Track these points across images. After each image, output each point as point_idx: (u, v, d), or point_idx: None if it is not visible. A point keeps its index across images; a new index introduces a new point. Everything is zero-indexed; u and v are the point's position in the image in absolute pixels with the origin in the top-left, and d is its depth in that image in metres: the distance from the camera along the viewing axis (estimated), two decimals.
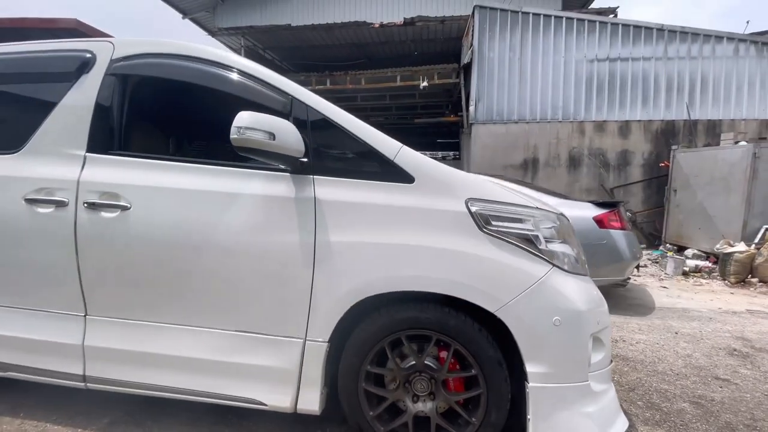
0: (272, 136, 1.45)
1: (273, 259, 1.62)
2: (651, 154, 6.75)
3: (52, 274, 1.81)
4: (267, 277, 1.63)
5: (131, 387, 1.80)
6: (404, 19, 9.46)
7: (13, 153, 1.85)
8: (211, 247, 1.66)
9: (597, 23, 6.72)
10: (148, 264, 1.72)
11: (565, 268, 1.56)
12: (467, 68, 7.24)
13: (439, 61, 9.69)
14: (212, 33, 13.26)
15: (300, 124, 1.63)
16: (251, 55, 11.15)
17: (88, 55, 1.84)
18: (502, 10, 6.89)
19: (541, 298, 1.48)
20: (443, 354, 1.62)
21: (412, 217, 1.56)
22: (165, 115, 2.02)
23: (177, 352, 1.73)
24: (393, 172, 1.60)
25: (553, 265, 1.53)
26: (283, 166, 1.63)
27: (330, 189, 1.61)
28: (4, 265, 1.84)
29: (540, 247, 1.53)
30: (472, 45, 6.87)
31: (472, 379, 1.58)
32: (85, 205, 1.73)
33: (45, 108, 1.86)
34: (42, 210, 1.77)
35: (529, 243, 1.53)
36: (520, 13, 6.83)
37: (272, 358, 1.66)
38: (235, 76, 1.74)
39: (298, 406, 1.65)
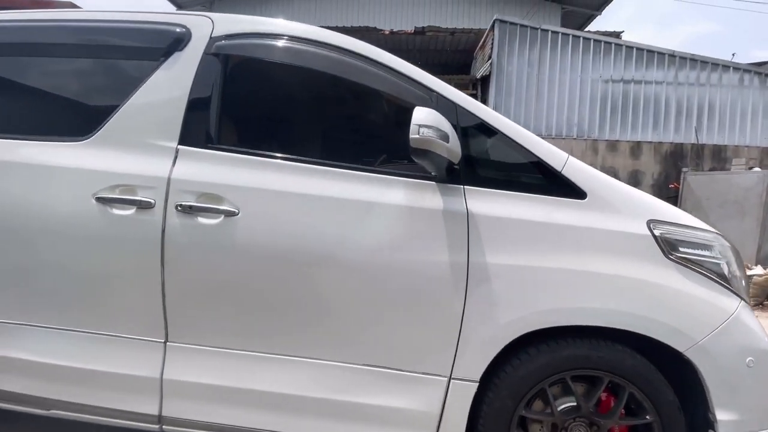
0: (447, 137, 1.22)
1: (415, 281, 1.37)
2: (660, 174, 6.91)
3: (128, 290, 1.47)
4: (406, 302, 1.38)
5: (217, 430, 1.48)
6: (415, 28, 9.39)
7: (81, 140, 1.51)
8: (337, 264, 1.39)
9: (612, 45, 6.88)
10: (254, 281, 1.42)
11: (748, 300, 1.40)
12: (484, 81, 7.21)
13: (445, 72, 9.66)
14: None
15: None
16: None
17: (182, 30, 1.55)
18: (521, 25, 6.92)
19: (734, 336, 1.31)
20: (602, 396, 1.41)
21: (584, 239, 1.36)
22: (274, 105, 1.74)
23: (283, 389, 1.43)
24: (560, 186, 1.39)
25: (741, 298, 1.37)
26: (429, 174, 1.39)
27: (485, 202, 1.38)
28: (63, 278, 1.49)
29: (729, 278, 1.37)
30: (490, 58, 6.85)
31: (645, 427, 1.38)
32: (179, 208, 1.41)
33: (124, 88, 1.54)
34: (119, 212, 1.44)
35: (718, 273, 1.36)
36: (539, 30, 6.89)
37: (406, 398, 1.40)
38: (365, 65, 1.49)
39: None
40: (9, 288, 1.52)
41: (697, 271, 1.34)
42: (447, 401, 1.38)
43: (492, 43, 6.78)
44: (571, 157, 1.44)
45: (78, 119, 1.59)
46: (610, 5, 11.96)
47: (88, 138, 1.51)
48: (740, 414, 1.30)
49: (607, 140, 6.79)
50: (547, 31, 6.88)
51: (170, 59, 1.52)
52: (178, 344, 1.47)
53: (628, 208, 1.39)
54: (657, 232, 1.35)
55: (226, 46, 1.53)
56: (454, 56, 10.70)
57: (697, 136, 6.55)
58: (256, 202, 1.42)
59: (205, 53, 1.51)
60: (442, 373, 1.38)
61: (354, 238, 1.39)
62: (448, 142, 1.22)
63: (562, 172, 1.40)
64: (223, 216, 1.41)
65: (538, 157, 1.40)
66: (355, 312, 1.40)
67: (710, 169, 6.66)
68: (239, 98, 1.55)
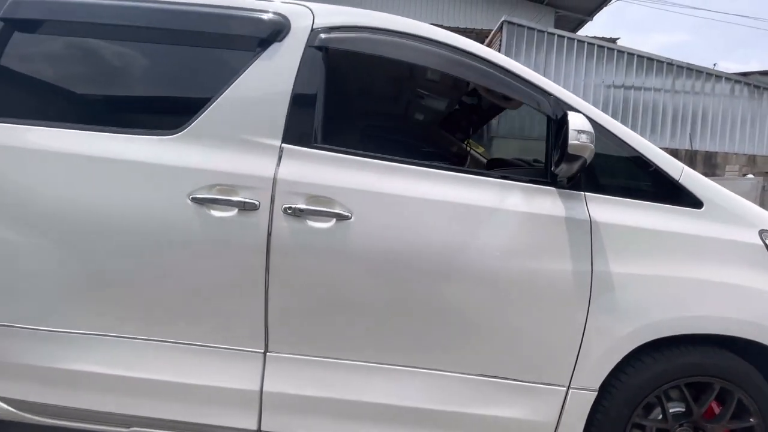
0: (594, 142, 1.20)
1: (537, 290, 1.34)
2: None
3: (227, 297, 1.38)
4: (527, 311, 1.35)
5: None
6: None
7: (171, 135, 1.39)
8: (456, 272, 1.35)
9: (615, 51, 7.06)
10: (368, 289, 1.36)
11: None
12: None
13: None
14: None
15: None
16: None
17: (280, 19, 1.44)
18: (529, 28, 6.99)
19: None
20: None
21: (701, 248, 1.37)
22: (381, 103, 1.65)
23: (394, 400, 1.37)
24: (678, 195, 1.39)
25: None
26: (547, 179, 1.37)
27: (606, 209, 1.37)
28: (153, 285, 1.38)
29: None
30: None
31: (748, 429, 1.41)
32: (288, 210, 1.33)
33: (217, 79, 1.43)
34: (218, 213, 1.34)
35: None
36: (545, 33, 6.98)
37: (522, 409, 1.37)
38: (480, 65, 1.44)
39: None
40: (89, 296, 1.39)
41: None
42: (564, 410, 1.36)
43: (500, 44, 6.83)
44: (686, 167, 1.44)
45: (167, 112, 1.47)
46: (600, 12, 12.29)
47: (179, 132, 1.39)
48: None
49: None
50: (553, 34, 6.99)
51: (269, 50, 1.42)
52: (278, 354, 1.39)
53: (742, 218, 1.41)
54: None
55: (330, 39, 1.44)
56: None
57: (691, 142, 6.84)
58: (370, 205, 1.35)
59: (308, 45, 1.43)
60: (561, 382, 1.36)
61: (474, 244, 1.35)
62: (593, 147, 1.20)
63: (680, 181, 1.40)
64: (334, 220, 1.33)
65: (656, 165, 1.40)
66: (473, 321, 1.36)
67: (703, 175, 6.93)
68: (345, 95, 1.47)
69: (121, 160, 1.37)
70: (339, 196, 1.34)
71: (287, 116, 1.38)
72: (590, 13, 12.69)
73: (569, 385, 1.36)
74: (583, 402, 1.36)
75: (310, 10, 1.48)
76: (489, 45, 7.59)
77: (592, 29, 12.98)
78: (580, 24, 13.11)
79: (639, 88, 6.99)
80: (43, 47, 1.51)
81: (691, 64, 7.12)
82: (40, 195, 1.38)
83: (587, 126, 1.19)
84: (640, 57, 7.04)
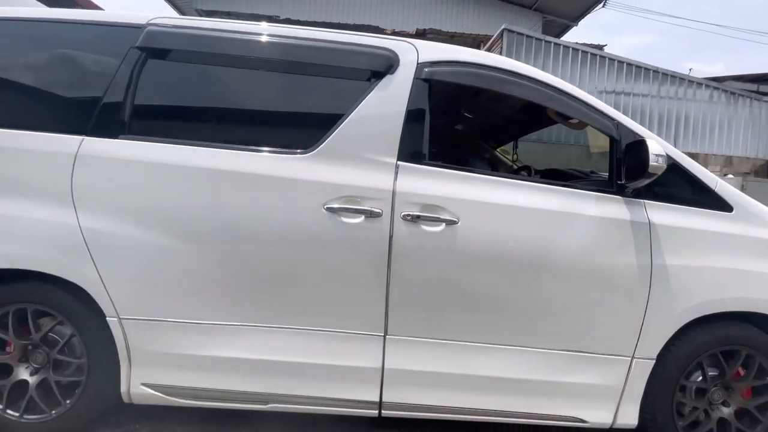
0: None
1: (609, 279, 1.66)
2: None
3: (354, 290, 1.64)
4: (602, 297, 1.67)
5: (433, 411, 1.69)
6: (416, 29, 9.65)
7: (305, 153, 1.64)
8: (543, 266, 1.65)
9: (606, 59, 7.56)
10: (470, 281, 1.65)
11: None
12: None
13: None
14: (200, 14, 12.25)
15: (621, 152, 1.70)
16: None
17: (390, 55, 1.71)
18: (527, 36, 7.40)
19: None
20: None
21: (732, 244, 1.72)
22: (479, 128, 1.93)
23: (492, 372, 1.68)
24: (714, 201, 1.74)
25: None
26: (613, 189, 1.69)
27: (661, 214, 1.70)
28: (293, 281, 1.63)
29: None
30: None
31: (765, 387, 1.77)
32: (407, 217, 1.60)
33: (341, 105, 1.69)
34: (348, 220, 1.60)
35: None
36: (543, 42, 7.40)
37: (597, 376, 1.69)
38: (558, 96, 1.75)
39: (617, 421, 1.71)
40: (235, 292, 1.63)
41: None
42: (629, 376, 1.69)
43: (501, 50, 7.21)
44: (719, 179, 1.79)
45: (298, 133, 1.71)
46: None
47: (311, 151, 1.64)
48: None
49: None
50: (550, 42, 7.42)
51: (383, 81, 1.68)
52: (396, 337, 1.66)
53: (761, 219, 1.77)
54: None
55: (432, 72, 1.71)
56: None
57: (674, 145, 7.40)
58: (474, 212, 1.63)
59: (415, 78, 1.69)
60: (627, 353, 1.68)
61: (558, 244, 1.65)
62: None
63: (716, 190, 1.74)
64: (444, 224, 1.61)
65: (697, 177, 1.74)
66: (557, 306, 1.67)
67: None
68: (447, 120, 1.74)
69: (264, 175, 1.61)
70: (448, 204, 1.62)
71: (401, 138, 1.65)
72: (575, 19, 13.29)
73: (633, 355, 1.68)
74: (644, 369, 1.69)
75: (415, 47, 1.74)
76: (489, 50, 7.96)
77: (573, 32, 13.57)
78: (566, 28, 13.69)
79: (628, 94, 7.51)
80: (181, 73, 1.71)
81: (675, 72, 7.71)
82: (195, 206, 1.60)
83: (662, 151, 1.51)
84: (629, 64, 7.56)
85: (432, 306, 1.66)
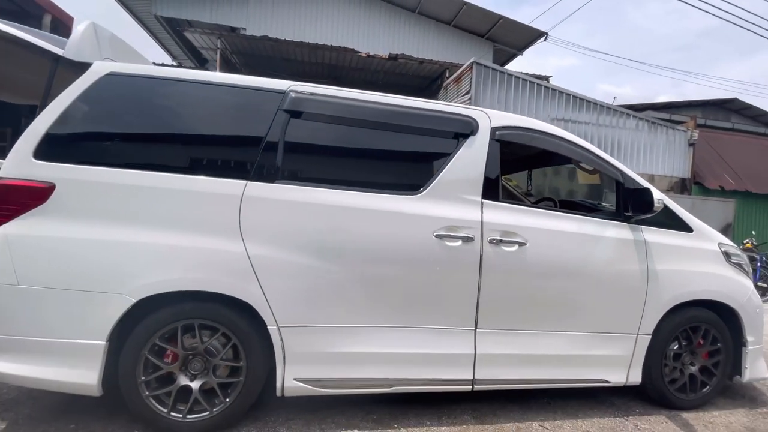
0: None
1: (622, 280, 2.39)
2: (587, 194, 9.11)
3: (454, 295, 2.19)
4: (618, 293, 2.39)
5: (512, 383, 2.30)
6: (389, 54, 10.36)
7: (416, 194, 2.18)
8: (582, 273, 2.34)
9: (557, 91, 8.83)
10: (535, 286, 2.29)
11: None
12: None
13: (402, 94, 10.78)
14: (179, 28, 11.92)
15: (626, 192, 2.46)
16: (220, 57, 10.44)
17: (471, 121, 2.31)
18: (493, 69, 8.43)
19: (752, 299, 2.63)
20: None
21: (693, 254, 2.55)
22: (535, 176, 2.56)
23: (548, 351, 2.33)
24: (682, 225, 2.56)
25: (751, 280, 2.71)
26: (621, 217, 2.44)
27: (652, 234, 2.48)
28: (410, 290, 2.14)
29: (746, 271, 2.69)
30: (468, 92, 8.21)
31: (716, 350, 2.61)
32: (493, 240, 2.21)
33: (438, 158, 2.26)
34: (450, 244, 2.17)
35: (744, 269, 2.67)
36: (506, 74, 8.47)
37: (615, 349, 2.41)
38: (583, 152, 2.48)
39: (628, 381, 2.44)
40: (366, 300, 2.10)
41: (738, 268, 2.64)
42: (635, 348, 2.43)
43: (471, 81, 8.14)
44: (684, 210, 2.62)
45: (410, 179, 2.23)
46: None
47: (421, 193, 2.19)
48: (754, 337, 2.62)
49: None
50: (512, 75, 8.52)
51: (468, 140, 2.28)
52: (484, 329, 2.24)
53: (709, 236, 2.63)
54: (722, 249, 2.62)
55: (501, 134, 2.35)
56: (413, 80, 11.97)
57: None
58: (537, 236, 2.28)
59: (490, 138, 2.32)
60: (633, 331, 2.42)
61: (591, 257, 2.36)
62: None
63: (683, 218, 2.57)
64: (517, 245, 2.24)
65: (672, 210, 2.54)
66: (591, 301, 2.36)
67: None
68: (512, 170, 2.37)
69: (388, 211, 2.12)
70: (519, 231, 2.25)
71: (483, 182, 2.26)
72: (521, 49, 14.92)
73: (638, 333, 2.43)
74: (644, 342, 2.44)
75: (488, 115, 2.36)
76: (460, 79, 8.88)
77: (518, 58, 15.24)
78: (513, 56, 15.28)
79: (574, 121, 8.85)
80: (319, 130, 2.16)
81: (609, 105, 9.25)
82: (335, 235, 2.06)
83: (661, 195, 2.27)
84: (575, 97, 8.92)
85: (508, 305, 2.27)
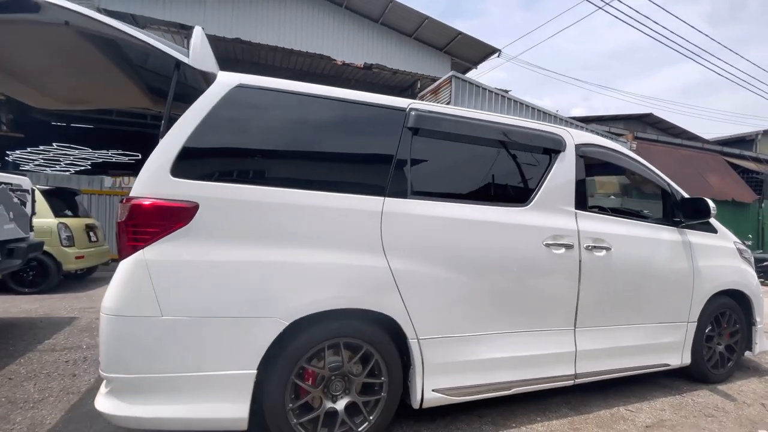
0: None
1: (678, 276, 2.79)
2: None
3: (559, 298, 2.39)
4: (675, 287, 2.78)
5: (602, 375, 2.55)
6: (365, 63, 10.45)
7: (525, 206, 2.35)
8: (651, 272, 2.69)
9: (520, 103, 9.62)
10: (619, 285, 2.58)
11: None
12: None
13: None
14: (139, 23, 10.78)
15: (682, 201, 2.88)
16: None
17: (560, 138, 2.54)
18: (469, 82, 8.95)
19: (756, 283, 3.21)
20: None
21: (721, 251, 3.05)
22: (608, 187, 2.81)
23: (628, 343, 2.63)
24: (711, 228, 3.05)
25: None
26: (672, 221, 2.84)
27: (693, 236, 2.91)
28: (524, 296, 2.29)
29: (752, 263, 3.27)
30: (449, 103, 8.61)
31: (736, 331, 3.13)
32: (588, 247, 2.45)
33: (537, 172, 2.45)
34: (556, 251, 2.37)
35: (749, 261, 3.24)
36: (481, 88, 9.05)
37: (674, 336, 2.79)
38: (640, 166, 2.85)
39: (682, 362, 2.83)
40: (492, 308, 2.22)
41: (747, 261, 3.20)
42: (686, 334, 2.84)
43: (450, 93, 8.57)
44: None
45: (516, 192, 2.38)
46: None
47: (528, 205, 2.36)
48: (759, 317, 3.20)
49: None
50: (485, 89, 9.11)
51: (560, 156, 2.51)
52: (581, 328, 2.47)
53: (728, 237, 3.16)
54: (737, 246, 3.16)
55: (584, 151, 2.61)
56: (383, 91, 12.15)
57: None
58: (619, 242, 2.57)
59: (576, 154, 2.57)
60: (685, 320, 2.83)
61: (656, 257, 2.72)
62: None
63: (712, 223, 3.05)
64: (605, 251, 2.52)
65: (707, 218, 3.01)
66: (657, 296, 2.71)
67: None
68: (591, 183, 2.63)
69: (505, 222, 2.26)
70: (606, 237, 2.53)
71: (575, 194, 2.50)
72: (475, 63, 15.93)
73: (688, 320, 2.84)
74: (692, 328, 2.86)
75: (570, 134, 2.62)
76: (438, 90, 9.28)
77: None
78: (468, 69, 16.24)
79: None
80: (438, 146, 2.23)
81: (564, 117, 10.32)
82: (462, 247, 2.14)
83: (713, 205, 2.70)
84: (534, 108, 9.81)
85: (599, 304, 2.52)
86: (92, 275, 7.04)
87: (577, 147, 2.60)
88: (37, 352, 3.19)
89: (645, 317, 2.70)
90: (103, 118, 11.58)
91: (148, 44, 1.75)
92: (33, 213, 3.96)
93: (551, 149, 2.51)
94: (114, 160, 15.67)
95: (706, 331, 3.00)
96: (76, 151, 13.31)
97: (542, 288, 2.35)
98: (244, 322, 1.73)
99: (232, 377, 1.72)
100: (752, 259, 3.34)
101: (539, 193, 2.41)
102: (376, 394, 2.01)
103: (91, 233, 6.27)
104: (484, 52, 15.12)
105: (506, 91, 11.88)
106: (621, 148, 2.86)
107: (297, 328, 1.82)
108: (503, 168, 2.43)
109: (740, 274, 3.12)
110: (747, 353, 3.22)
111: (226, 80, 1.88)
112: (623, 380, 2.91)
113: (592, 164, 2.75)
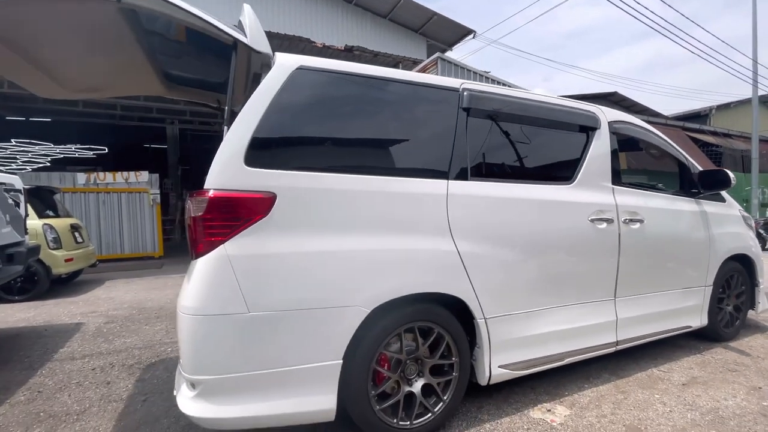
0: None
1: (697, 244, 2.97)
2: None
3: (602, 270, 2.50)
4: (696, 254, 2.97)
5: (638, 340, 2.70)
6: (345, 45, 10.18)
7: (570, 184, 2.41)
8: (678, 240, 2.85)
9: (500, 83, 9.75)
10: (651, 255, 2.72)
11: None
12: None
13: None
14: None
15: (700, 174, 3.04)
16: None
17: (595, 116, 2.61)
18: (455, 64, 8.95)
19: (759, 249, 3.48)
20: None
21: (729, 219, 3.26)
22: (640, 161, 2.89)
23: (659, 308, 2.80)
24: (720, 198, 3.25)
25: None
26: (690, 193, 3.01)
27: (707, 206, 3.10)
28: (573, 271, 2.38)
29: (752, 228, 3.53)
30: None
31: (742, 292, 3.40)
32: (625, 221, 2.56)
33: (579, 150, 2.51)
34: (599, 226, 2.46)
35: (751, 227, 3.49)
36: (465, 69, 9.06)
37: (694, 299, 2.99)
38: (663, 142, 2.98)
39: (701, 323, 3.04)
40: (546, 283, 2.28)
41: (750, 227, 3.45)
42: (704, 297, 3.05)
43: (437, 74, 8.55)
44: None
45: (561, 170, 2.43)
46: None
47: (573, 182, 2.43)
48: (762, 279, 3.47)
49: None
50: (469, 69, 9.15)
51: (596, 133, 2.58)
52: (620, 298, 2.60)
53: (733, 205, 3.38)
54: (741, 213, 3.39)
55: (616, 128, 2.69)
56: None
57: None
58: (650, 214, 2.70)
59: (610, 132, 2.65)
60: (703, 284, 3.03)
61: (681, 226, 2.88)
62: None
63: (723, 195, 3.25)
64: (639, 223, 2.64)
65: (725, 186, 3.19)
66: (682, 263, 2.88)
67: None
68: (628, 155, 2.72)
69: (555, 200, 2.31)
70: (639, 210, 2.65)
71: (611, 170, 2.59)
72: (451, 45, 15.92)
73: (705, 284, 3.05)
74: (709, 292, 3.07)
75: (602, 110, 2.69)
76: (425, 71, 9.23)
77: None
78: (443, 51, 16.21)
79: None
80: (490, 126, 2.23)
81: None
82: (521, 226, 2.19)
83: (733, 175, 2.87)
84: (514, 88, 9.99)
85: (635, 274, 2.65)
86: (78, 278, 6.63)
87: (610, 124, 2.68)
88: (56, 362, 3.00)
89: (672, 284, 2.87)
90: (64, 110, 10.73)
91: (210, 23, 1.62)
92: (26, 214, 3.66)
93: (589, 126, 2.57)
94: (77, 155, 14.66)
95: (719, 293, 3.23)
96: (36, 147, 12.32)
97: (588, 262, 2.44)
98: (328, 312, 1.70)
99: (319, 369, 1.70)
100: (753, 225, 3.60)
101: (582, 170, 2.47)
102: (448, 375, 2.05)
103: (77, 234, 5.87)
104: (459, 33, 15.12)
105: (486, 72, 12.01)
106: (645, 124, 2.98)
107: (377, 315, 1.81)
108: (548, 146, 2.47)
109: (745, 239, 3.37)
110: (750, 312, 3.51)
111: (287, 62, 1.79)
112: (648, 344, 3.10)
113: (622, 140, 2.84)
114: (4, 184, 3.25)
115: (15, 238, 3.39)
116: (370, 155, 1.92)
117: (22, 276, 4.97)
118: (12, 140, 11.52)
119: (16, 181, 3.47)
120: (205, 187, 1.60)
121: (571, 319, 2.40)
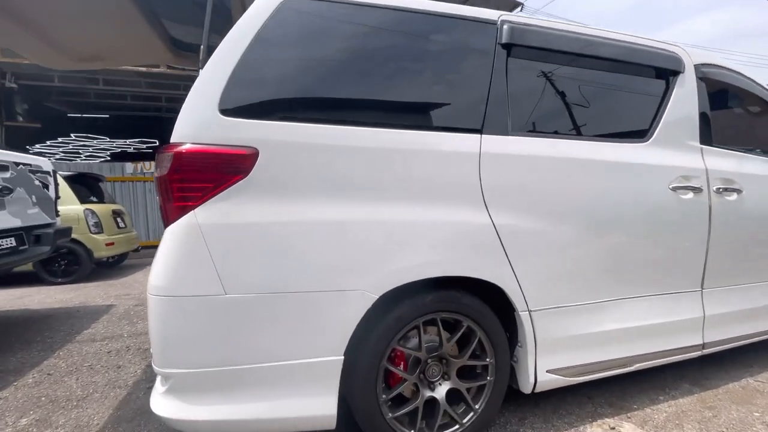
0: None
1: None
2: None
3: (686, 254, 1.95)
4: None
5: (730, 342, 2.11)
6: None
7: (644, 142, 1.88)
8: None
9: None
10: (751, 236, 2.11)
11: None
12: None
13: None
14: None
15: None
16: None
17: (678, 57, 2.02)
18: None
19: None
20: None
21: None
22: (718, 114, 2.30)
23: (761, 303, 2.18)
24: None
25: None
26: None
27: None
28: (649, 253, 1.86)
29: None
30: None
31: None
32: (718, 190, 1.98)
33: (656, 99, 1.96)
34: (684, 196, 1.91)
35: None
36: None
37: None
38: (758, 86, 2.30)
39: None
40: (613, 270, 1.79)
41: None
42: None
43: None
44: None
45: (633, 124, 1.91)
46: None
47: (648, 140, 1.89)
48: None
49: None
50: None
51: (679, 79, 2.00)
52: (709, 289, 2.03)
53: None
54: None
55: (706, 73, 2.09)
56: None
57: None
58: (750, 183, 2.09)
59: (697, 77, 2.05)
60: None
61: None
62: None
63: None
64: (736, 194, 2.04)
65: None
66: None
67: None
68: (712, 107, 2.11)
69: (624, 162, 1.80)
70: (736, 178, 2.05)
71: (699, 124, 2.00)
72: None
73: None
74: None
75: (686, 51, 2.10)
76: None
77: None
78: None
79: None
80: (536, 70, 1.76)
81: None
82: (578, 195, 1.71)
83: None
84: None
85: (729, 259, 2.07)
86: (123, 263, 6.90)
87: (697, 68, 2.08)
88: (76, 344, 2.96)
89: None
90: (116, 104, 11.33)
91: None
92: (57, 197, 3.68)
93: (669, 70, 2.00)
94: (132, 149, 15.57)
95: None
96: (95, 142, 13.17)
97: (667, 242, 1.90)
98: (323, 297, 1.36)
99: (314, 366, 1.37)
100: None
101: (660, 124, 1.92)
102: (480, 379, 1.65)
103: (119, 219, 6.05)
104: (509, 4, 14.08)
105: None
106: (743, 72, 2.32)
107: (387, 302, 1.45)
108: (615, 95, 1.94)
109: None
110: None
111: None
112: (737, 349, 2.46)
113: (713, 90, 2.23)
114: (31, 165, 3.25)
115: (44, 219, 3.40)
116: (377, 104, 1.53)
117: (65, 259, 5.18)
118: (72, 135, 12.38)
119: (44, 163, 3.49)
120: (171, 140, 1.31)
121: (643, 315, 1.89)
